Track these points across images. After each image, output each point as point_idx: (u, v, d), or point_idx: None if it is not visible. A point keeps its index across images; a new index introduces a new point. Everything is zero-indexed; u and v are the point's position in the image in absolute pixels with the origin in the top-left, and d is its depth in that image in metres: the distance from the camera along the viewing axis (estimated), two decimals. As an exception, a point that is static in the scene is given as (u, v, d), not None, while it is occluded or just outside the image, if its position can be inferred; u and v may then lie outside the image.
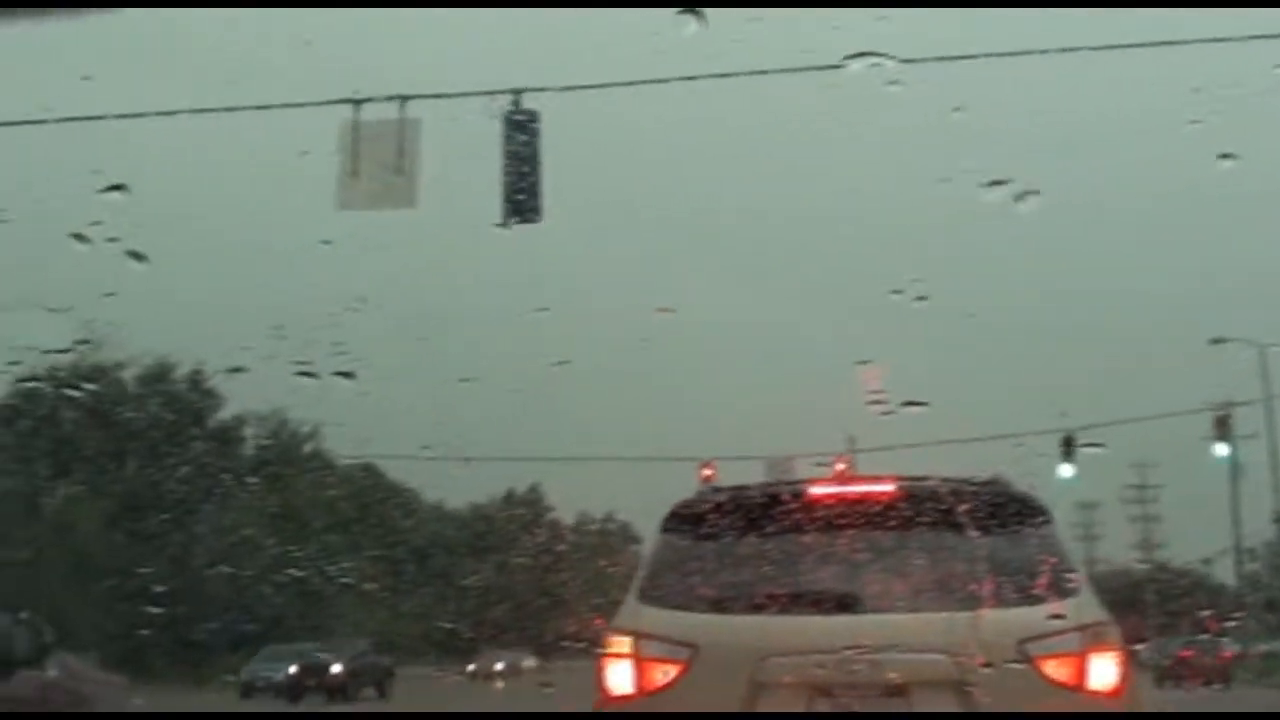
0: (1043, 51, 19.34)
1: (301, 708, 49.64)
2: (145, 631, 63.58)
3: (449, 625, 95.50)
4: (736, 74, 19.63)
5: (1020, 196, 14.84)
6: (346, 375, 13.11)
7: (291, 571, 79.93)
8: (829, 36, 17.18)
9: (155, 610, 69.22)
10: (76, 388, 64.70)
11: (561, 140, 19.64)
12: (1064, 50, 19.36)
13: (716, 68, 19.31)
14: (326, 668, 53.39)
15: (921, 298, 15.36)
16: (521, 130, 19.07)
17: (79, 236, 10.62)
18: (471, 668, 77.04)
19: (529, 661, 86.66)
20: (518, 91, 19.09)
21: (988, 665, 7.31)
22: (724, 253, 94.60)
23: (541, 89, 19.48)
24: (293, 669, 53.77)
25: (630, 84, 20.09)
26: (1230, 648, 56.88)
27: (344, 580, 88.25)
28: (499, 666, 77.54)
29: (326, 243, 21.44)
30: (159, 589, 71.90)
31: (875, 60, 13.84)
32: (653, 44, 18.27)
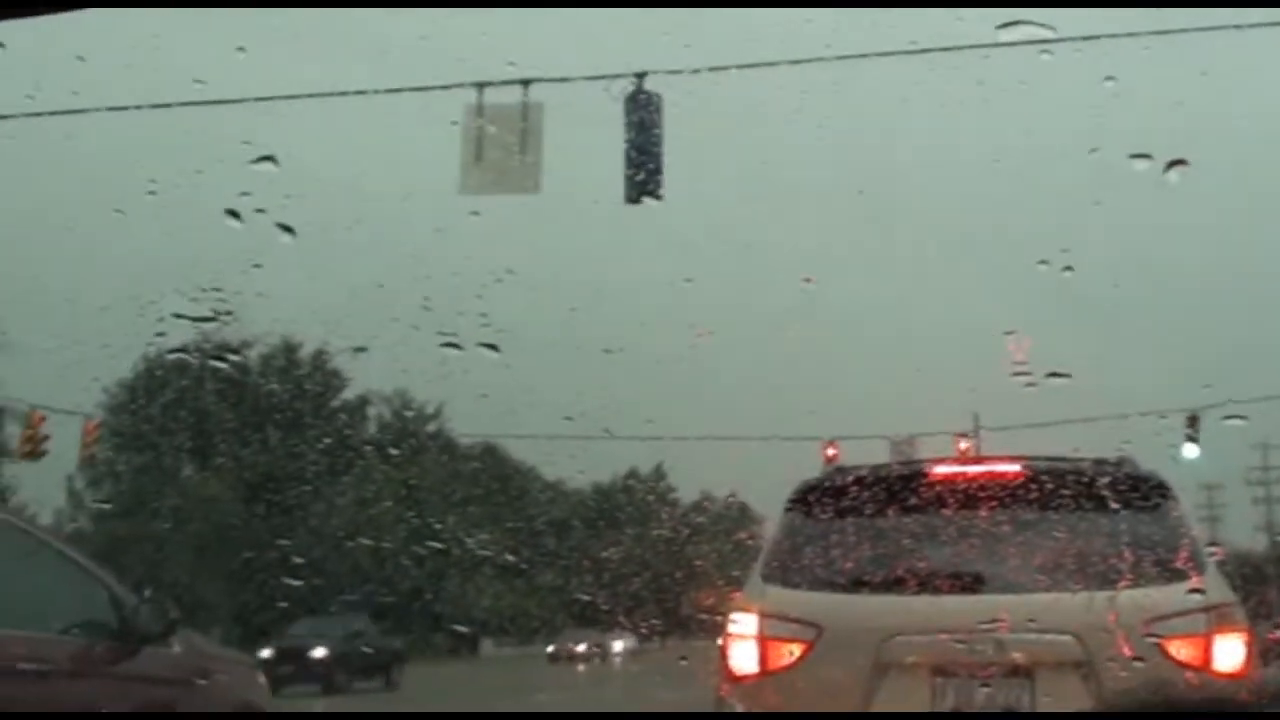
0: (1191, 30, 19.10)
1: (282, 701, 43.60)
2: (283, 604, 64.57)
3: (586, 598, 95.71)
4: (885, 54, 19.50)
5: (1169, 166, 14.69)
6: (491, 348, 13.20)
7: (430, 544, 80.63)
8: (978, 8, 17.13)
9: (293, 583, 70.31)
10: (222, 359, 65.47)
11: (702, 115, 19.72)
12: (1222, 28, 19.12)
13: (869, 37, 19.24)
14: (305, 652, 44.86)
15: (1068, 268, 15.23)
16: (644, 111, 19.15)
17: (233, 213, 10.76)
18: (551, 649, 75.33)
19: (624, 643, 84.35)
20: (641, 75, 19.17)
21: (1112, 645, 7.30)
22: (860, 227, 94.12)
23: (672, 71, 19.53)
24: (265, 653, 44.43)
25: (774, 65, 20.02)
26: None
27: (482, 552, 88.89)
28: (580, 648, 75.54)
29: (475, 214, 21.45)
30: (297, 561, 72.99)
31: (1028, 29, 13.75)
32: (805, 14, 18.24)
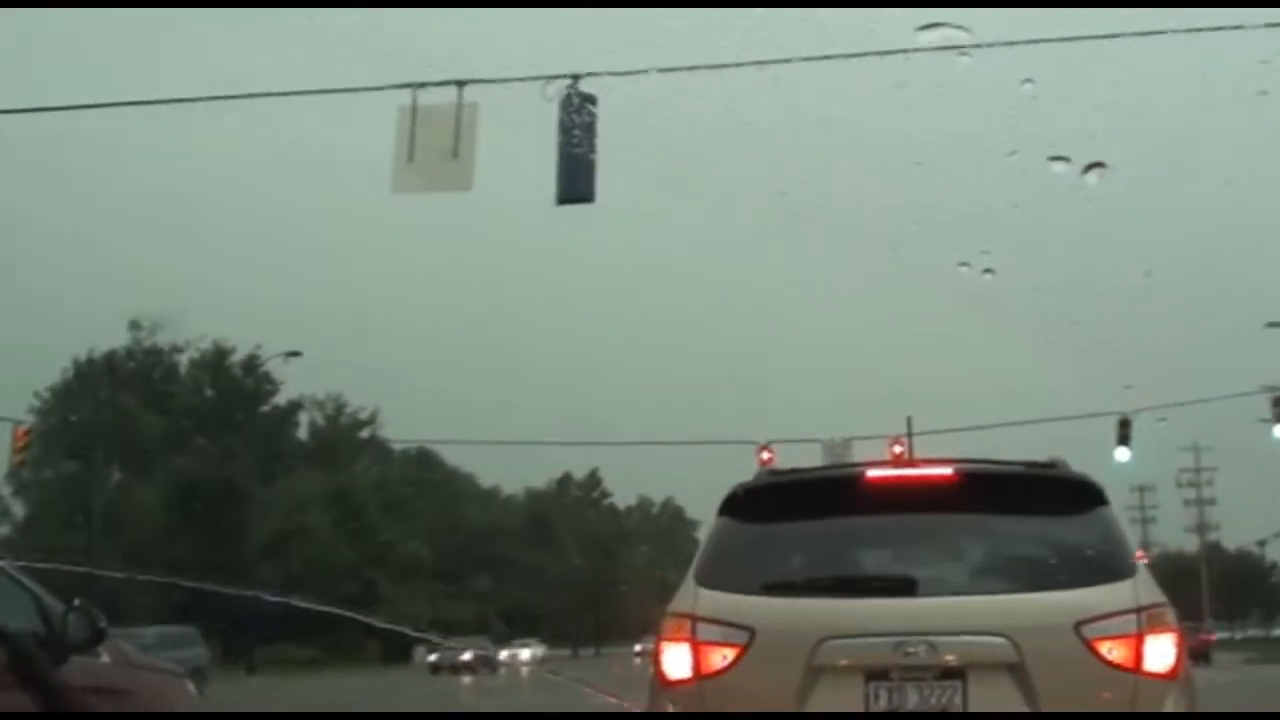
0: (1111, 36, 19.21)
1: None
2: (205, 614, 63.81)
3: (501, 609, 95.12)
4: (806, 59, 19.53)
5: (1087, 169, 14.77)
6: (411, 359, 13.10)
7: (362, 550, 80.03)
8: (898, 9, 17.22)
9: (210, 594, 69.55)
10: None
11: (625, 117, 19.70)
12: (1140, 35, 19.25)
13: (788, 39, 19.27)
14: None
15: (988, 270, 15.30)
16: (578, 114, 19.11)
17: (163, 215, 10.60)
18: (433, 658, 70.32)
19: (532, 651, 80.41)
20: (576, 76, 19.12)
21: (1043, 647, 7.33)
22: (785, 229, 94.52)
23: (605, 74, 19.48)
24: None
25: (693, 69, 19.99)
26: (1212, 632, 67.38)
27: (402, 562, 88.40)
28: (466, 657, 69.69)
29: (406, 214, 21.34)
30: (214, 574, 72.21)
31: (946, 31, 13.79)
32: (726, 16, 18.26)
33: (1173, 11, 18.95)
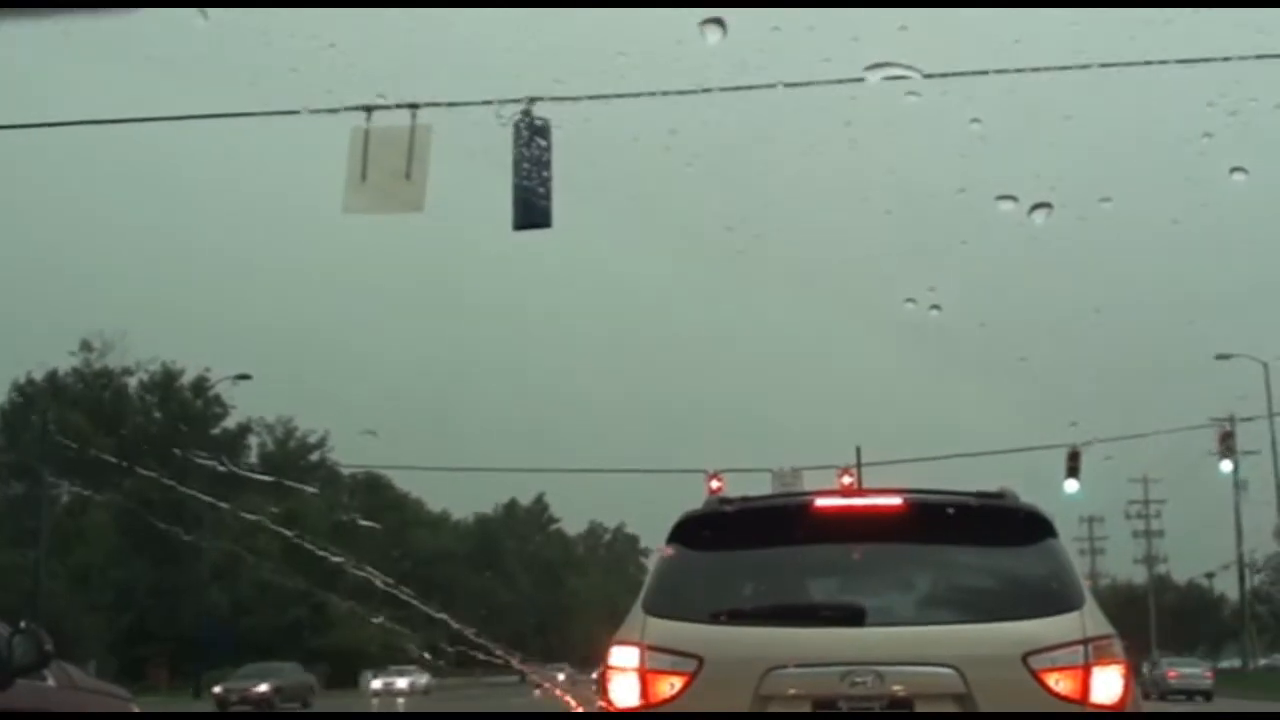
0: (1060, 68, 19.33)
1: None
2: (153, 638, 63.27)
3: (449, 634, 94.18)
4: (756, 87, 19.55)
5: (1033, 209, 14.89)
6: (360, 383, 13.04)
7: (310, 575, 79.31)
8: (849, 47, 17.27)
9: (158, 618, 68.98)
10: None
11: (576, 148, 19.68)
12: (1082, 68, 19.38)
13: (737, 76, 19.32)
14: None
15: (935, 307, 15.37)
16: (533, 138, 19.07)
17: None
18: (218, 689, 58.61)
19: (411, 680, 71.54)
20: (531, 100, 19.09)
21: (991, 678, 7.31)
22: (735, 263, 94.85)
23: (559, 98, 19.45)
24: None
25: (646, 95, 19.99)
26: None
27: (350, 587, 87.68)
28: (263, 689, 57.48)
29: (358, 236, 21.29)
30: (163, 597, 71.61)
31: (895, 71, 13.86)
32: (674, 52, 18.35)
33: (1120, 53, 19.12)
